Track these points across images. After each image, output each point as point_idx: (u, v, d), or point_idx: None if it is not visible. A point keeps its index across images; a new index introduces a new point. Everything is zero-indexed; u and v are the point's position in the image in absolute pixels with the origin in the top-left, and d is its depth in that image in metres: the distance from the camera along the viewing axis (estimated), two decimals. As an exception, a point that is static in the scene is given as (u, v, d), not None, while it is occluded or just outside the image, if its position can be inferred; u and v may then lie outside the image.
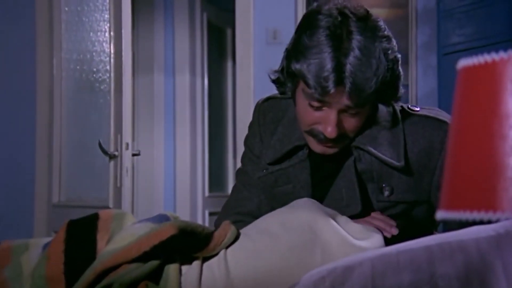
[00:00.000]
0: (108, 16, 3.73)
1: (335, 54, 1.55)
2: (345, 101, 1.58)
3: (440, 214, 0.90)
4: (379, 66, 1.58)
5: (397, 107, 1.73)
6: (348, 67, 1.55)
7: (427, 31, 3.82)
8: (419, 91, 3.83)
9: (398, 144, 1.68)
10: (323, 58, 1.56)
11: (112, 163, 3.62)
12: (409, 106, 1.75)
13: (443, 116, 1.72)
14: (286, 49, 1.69)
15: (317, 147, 1.68)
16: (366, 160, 1.68)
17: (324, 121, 1.62)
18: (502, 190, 0.82)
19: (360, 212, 1.67)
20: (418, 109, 1.74)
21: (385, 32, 1.63)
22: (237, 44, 3.89)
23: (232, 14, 4.05)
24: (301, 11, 3.89)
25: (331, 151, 1.68)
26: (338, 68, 1.55)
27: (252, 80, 3.81)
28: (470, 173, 0.86)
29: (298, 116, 1.70)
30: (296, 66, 1.61)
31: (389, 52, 1.62)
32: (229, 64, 6.38)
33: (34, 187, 4.02)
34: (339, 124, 1.62)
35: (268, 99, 1.88)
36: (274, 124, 1.82)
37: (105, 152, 3.62)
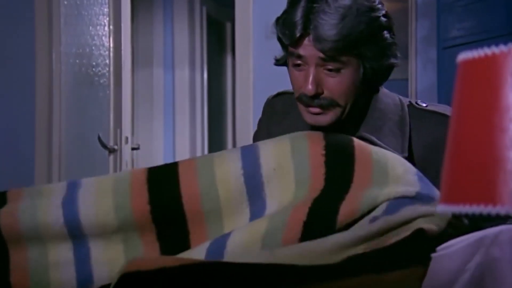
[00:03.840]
0: (107, 10, 3.72)
1: (306, 5, 1.62)
2: (316, 52, 1.61)
3: (440, 208, 0.90)
4: (348, 15, 1.60)
5: (405, 101, 1.74)
6: (316, 13, 1.60)
7: (426, 24, 3.81)
8: (418, 85, 3.82)
9: (403, 136, 1.68)
10: (294, 10, 1.62)
11: (111, 157, 3.62)
12: (417, 101, 1.75)
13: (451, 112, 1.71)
14: None
15: (307, 117, 1.68)
16: None
17: (303, 80, 1.65)
18: (502, 184, 0.82)
19: None
20: (425, 104, 1.73)
21: None
22: (237, 38, 3.89)
23: (231, 8, 4.05)
24: (301, 5, 3.88)
25: (321, 119, 1.66)
26: (306, 15, 1.60)
27: (251, 74, 3.81)
28: (470, 166, 0.86)
29: (292, 86, 1.72)
30: (278, 28, 1.67)
31: (369, 9, 1.63)
32: (229, 58, 6.38)
33: (34, 181, 4.02)
34: (318, 82, 1.63)
35: (278, 94, 1.90)
36: (282, 115, 1.84)
37: (104, 146, 3.62)
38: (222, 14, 6.10)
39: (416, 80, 3.83)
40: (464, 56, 0.89)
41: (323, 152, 1.49)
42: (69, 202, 1.48)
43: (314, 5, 1.61)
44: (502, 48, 0.85)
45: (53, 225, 1.44)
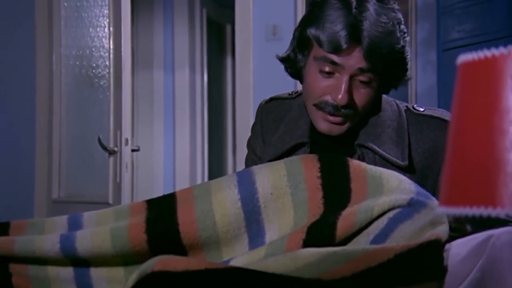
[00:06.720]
0: (107, 12, 3.73)
1: (350, 12, 1.58)
2: (358, 62, 1.58)
3: (440, 210, 0.90)
4: (393, 29, 1.59)
5: (402, 106, 1.72)
6: (365, 24, 1.57)
7: (426, 27, 3.81)
8: (418, 87, 3.83)
9: (403, 143, 1.66)
10: (338, 16, 1.58)
11: (111, 158, 3.62)
12: (414, 106, 1.73)
13: (448, 116, 1.68)
14: (302, 19, 1.70)
15: (323, 125, 1.64)
16: (369, 158, 1.65)
17: (334, 89, 1.61)
18: (502, 186, 0.82)
19: None
20: (422, 109, 1.71)
21: (396, 6, 1.64)
22: (237, 40, 3.89)
23: (231, 10, 4.05)
24: (301, 7, 3.88)
25: (337, 129, 1.64)
26: (353, 24, 1.57)
27: (251, 76, 3.81)
28: (470, 168, 0.86)
29: (307, 90, 1.67)
30: (311, 30, 1.62)
31: (401, 21, 1.63)
32: (229, 60, 6.38)
33: (34, 183, 4.02)
34: (349, 92, 1.61)
35: (271, 99, 1.87)
36: (276, 123, 1.80)
37: (104, 147, 3.62)
38: (222, 16, 6.10)
39: (416, 82, 3.83)
40: (464, 58, 0.89)
41: (319, 174, 1.48)
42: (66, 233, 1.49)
43: (361, 15, 1.57)
44: (502, 50, 0.85)
45: (49, 251, 1.45)
